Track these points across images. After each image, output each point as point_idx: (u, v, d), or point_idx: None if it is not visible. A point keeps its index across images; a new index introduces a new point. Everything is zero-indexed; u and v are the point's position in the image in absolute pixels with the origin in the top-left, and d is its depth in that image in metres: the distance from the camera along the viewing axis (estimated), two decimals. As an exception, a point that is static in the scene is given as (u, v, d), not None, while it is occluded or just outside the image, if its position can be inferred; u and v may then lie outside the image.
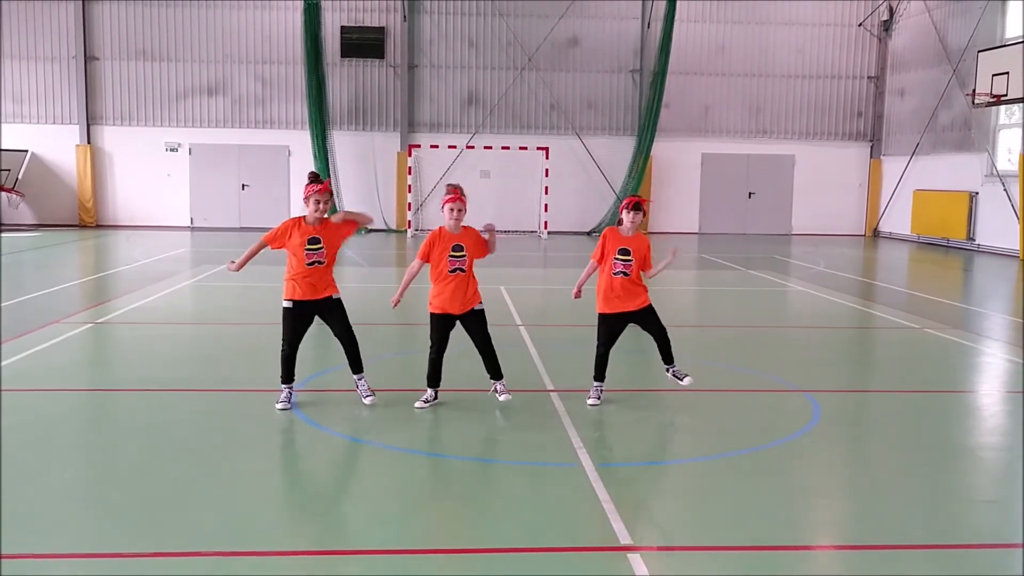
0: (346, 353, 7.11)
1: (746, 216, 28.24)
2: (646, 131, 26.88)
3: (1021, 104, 20.50)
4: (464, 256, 7.01)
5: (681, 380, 7.25)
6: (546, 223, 26.09)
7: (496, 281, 15.25)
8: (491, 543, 4.51)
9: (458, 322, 7.07)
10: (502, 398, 7.11)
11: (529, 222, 26.87)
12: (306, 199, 6.99)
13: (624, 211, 7.22)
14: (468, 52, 27.01)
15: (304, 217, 7.05)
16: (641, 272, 7.22)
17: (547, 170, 25.82)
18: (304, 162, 26.43)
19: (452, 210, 7.01)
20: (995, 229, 22.17)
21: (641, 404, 7.79)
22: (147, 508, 4.97)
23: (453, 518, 4.86)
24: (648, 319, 7.25)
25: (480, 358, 7.16)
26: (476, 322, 7.06)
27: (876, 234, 27.92)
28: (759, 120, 27.97)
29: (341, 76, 26.85)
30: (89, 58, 26.32)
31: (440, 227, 7.11)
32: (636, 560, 4.33)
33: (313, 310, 7.04)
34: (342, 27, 26.58)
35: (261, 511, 4.97)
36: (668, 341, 7.26)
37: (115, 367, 9.13)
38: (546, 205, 25.92)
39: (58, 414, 6.92)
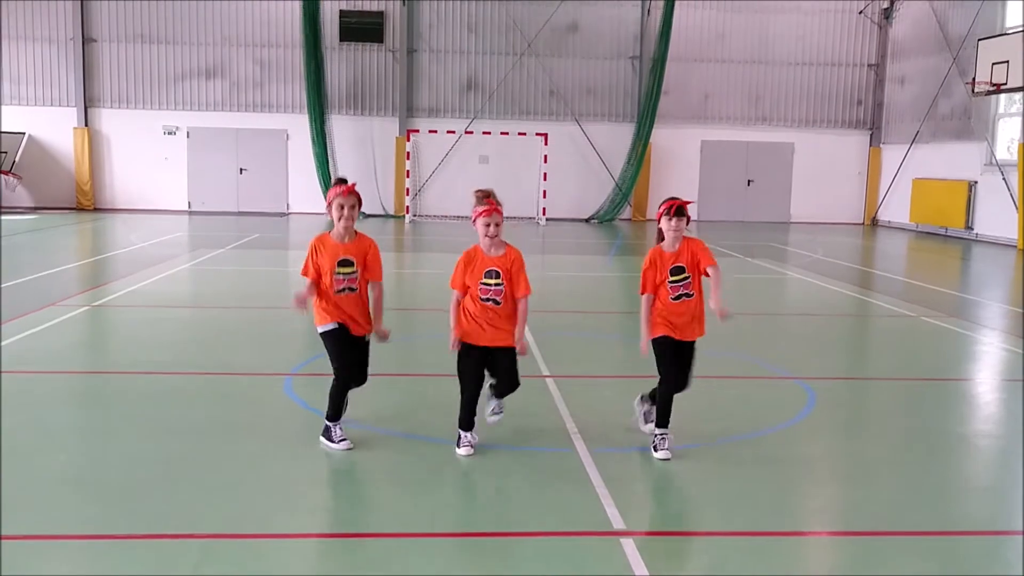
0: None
1: (745, 204, 28.22)
2: (645, 118, 26.82)
3: (1021, 93, 20.44)
4: (500, 286, 5.56)
5: (656, 452, 5.64)
6: (544, 209, 26.05)
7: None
8: (485, 527, 4.51)
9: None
10: (491, 419, 5.81)
11: (527, 208, 26.81)
12: (328, 206, 5.57)
13: (663, 217, 5.64)
14: (467, 37, 26.91)
15: (328, 233, 5.66)
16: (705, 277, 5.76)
17: (546, 156, 25.77)
18: (302, 146, 26.38)
19: (488, 225, 5.49)
20: (993, 218, 22.15)
21: (637, 390, 7.78)
22: (140, 490, 4.97)
23: (447, 503, 4.86)
24: (691, 356, 5.81)
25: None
26: (506, 359, 5.64)
27: (875, 223, 27.90)
28: (759, 108, 27.90)
29: (340, 60, 26.75)
30: (87, 40, 26.21)
31: (474, 246, 5.66)
32: (629, 545, 4.33)
33: (353, 343, 5.69)
34: (341, 11, 26.47)
35: (254, 494, 4.97)
36: (671, 397, 5.75)
37: (110, 350, 9.12)
38: (544, 191, 25.88)
39: (52, 396, 6.91)
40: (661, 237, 5.74)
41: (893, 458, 5.99)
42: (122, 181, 26.82)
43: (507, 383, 5.68)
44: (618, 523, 4.61)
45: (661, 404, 5.67)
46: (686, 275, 5.65)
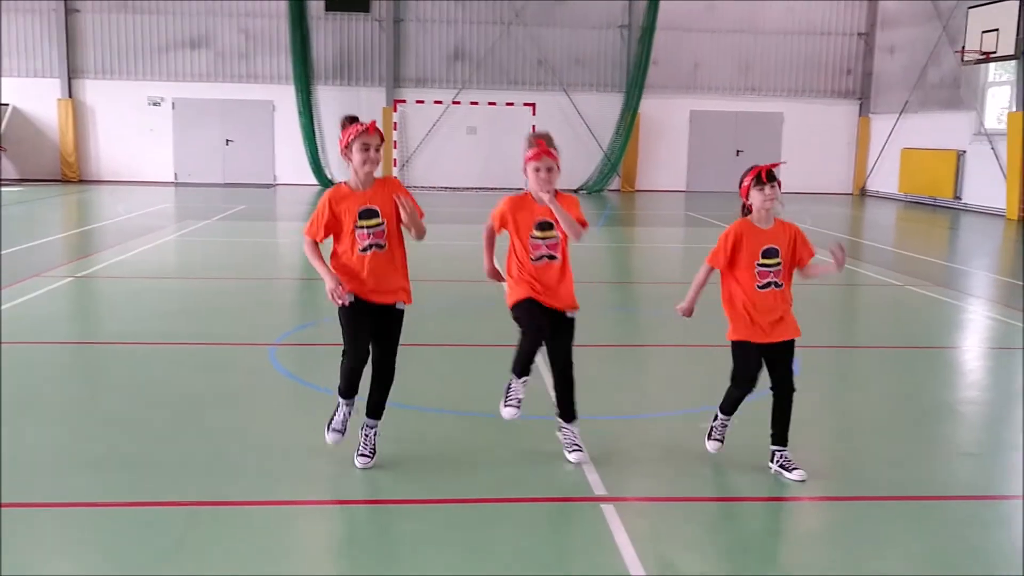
0: (374, 387, 4.85)
1: (734, 174, 27.59)
2: (634, 88, 26.69)
3: (1010, 61, 20.40)
4: (556, 239, 4.80)
5: (789, 473, 4.79)
6: (533, 180, 25.93)
7: (477, 237, 15.17)
8: (467, 494, 4.51)
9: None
10: (572, 456, 4.90)
11: (516, 179, 26.67)
12: (346, 148, 4.63)
13: (752, 187, 4.76)
14: (454, 6, 26.67)
15: (346, 181, 4.74)
16: (797, 272, 4.88)
17: (534, 126, 25.62)
18: (289, 117, 26.19)
19: (538, 170, 4.73)
20: (982, 188, 22.17)
21: (625, 359, 7.80)
22: (125, 459, 4.96)
23: (429, 469, 4.86)
24: (783, 362, 4.84)
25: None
26: (564, 327, 4.90)
27: (864, 193, 27.91)
28: (748, 77, 27.79)
29: (326, 30, 26.50)
30: (70, 10, 25.88)
31: (524, 193, 4.91)
32: (609, 510, 4.35)
33: (376, 314, 4.73)
34: (327, -20, 26.20)
35: (239, 462, 4.96)
36: (791, 404, 4.86)
37: (96, 320, 9.08)
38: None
39: (37, 367, 6.87)
40: (746, 212, 4.88)
41: (878, 424, 6.02)
42: (107, 152, 26.60)
43: (562, 361, 4.90)
44: (599, 488, 4.62)
45: (728, 402, 4.97)
46: (778, 261, 4.76)
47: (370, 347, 4.75)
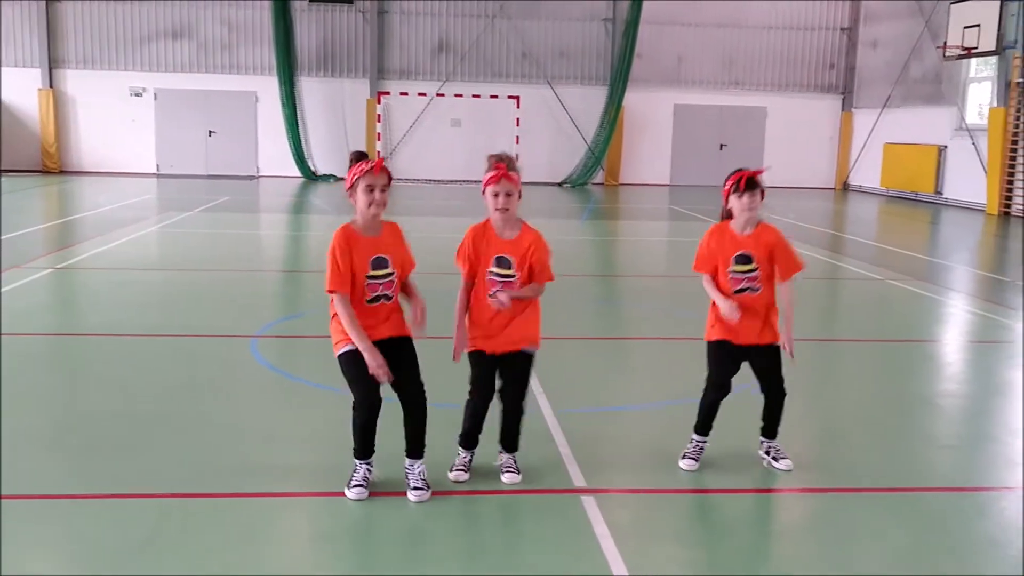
0: (409, 426, 4.48)
1: (718, 168, 28.07)
2: (618, 81, 26.69)
3: (991, 57, 20.52)
4: (512, 276, 4.49)
5: (776, 463, 4.85)
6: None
7: (462, 230, 15.15)
8: (446, 485, 4.51)
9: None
10: (506, 478, 4.61)
11: (500, 172, 26.67)
12: (351, 188, 4.27)
13: (732, 193, 4.64)
14: (439, -2, 26.59)
15: (352, 222, 4.33)
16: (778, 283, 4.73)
17: (518, 119, 25.63)
18: (272, 108, 26.06)
19: (497, 195, 4.38)
20: (962, 183, 22.30)
21: (607, 352, 7.81)
22: (104, 452, 4.92)
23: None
24: (764, 367, 4.80)
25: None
26: (516, 368, 4.60)
27: (846, 187, 28.03)
28: (732, 71, 27.84)
29: (309, 21, 26.36)
30: (50, -1, 25.66)
31: (485, 220, 4.56)
32: (589, 502, 4.35)
33: (385, 351, 4.31)
34: (310, -29, 26.07)
35: (218, 454, 4.94)
36: (781, 407, 4.87)
37: (77, 312, 9.01)
38: (517, 155, 25.62)
39: (17, 358, 6.81)
40: (728, 215, 4.75)
41: (859, 417, 6.05)
42: (88, 143, 26.40)
43: (512, 394, 4.61)
44: (579, 481, 4.63)
45: (703, 408, 4.85)
46: (753, 267, 4.64)
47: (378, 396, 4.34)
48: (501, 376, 4.59)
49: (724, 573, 3.81)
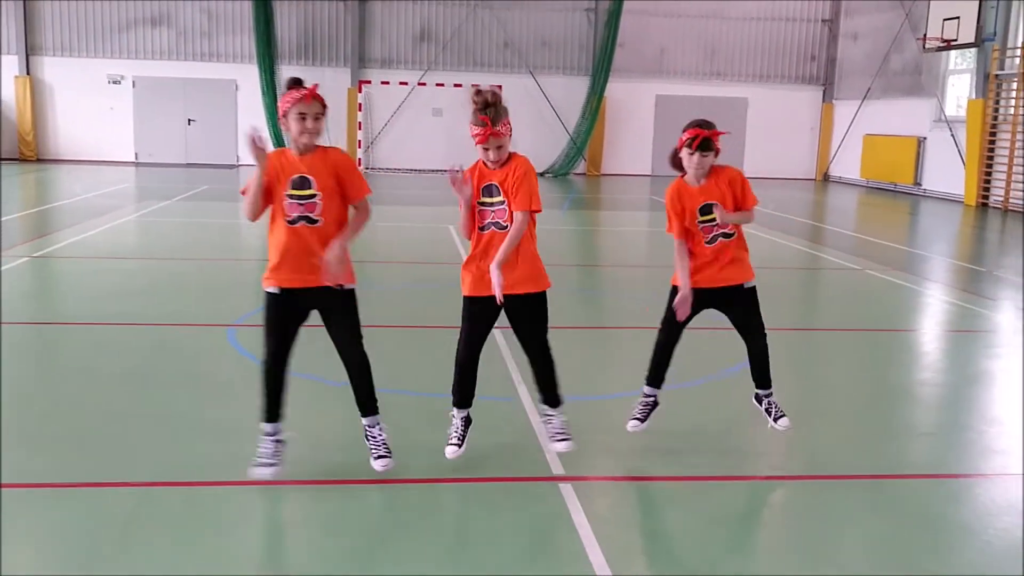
0: (352, 383, 4.47)
1: (699, 159, 28.23)
2: (600, 71, 26.67)
3: (970, 49, 20.63)
4: (502, 204, 4.37)
5: (776, 423, 4.91)
6: (499, 163, 25.85)
7: (445, 220, 15.13)
8: (424, 473, 4.50)
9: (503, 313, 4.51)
10: (559, 446, 4.58)
11: (482, 162, 26.62)
12: (284, 117, 4.21)
13: (685, 147, 4.61)
14: (421, -13, 26.46)
15: (287, 148, 4.31)
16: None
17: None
18: (252, 97, 25.87)
19: (488, 150, 4.30)
20: (941, 174, 22.44)
21: (586, 340, 7.81)
22: (80, 441, 4.89)
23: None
24: (740, 308, 4.83)
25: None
26: (526, 310, 4.51)
27: (826, 178, 28.14)
28: (713, 62, 27.87)
29: (289, 9, 26.16)
30: (26, -15, 25.35)
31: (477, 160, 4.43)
32: (568, 490, 4.36)
33: (305, 303, 4.31)
34: (291, -42, 25.87)
35: (194, 443, 4.91)
36: (767, 351, 4.90)
37: (53, 301, 8.93)
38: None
39: (-11, 347, 6.75)
40: (676, 164, 4.73)
41: (837, 405, 6.09)
42: (66, 131, 26.12)
43: (534, 341, 4.55)
44: (557, 468, 4.63)
45: (655, 360, 4.94)
46: (713, 216, 4.65)
47: (288, 353, 4.33)
48: (515, 320, 4.49)
49: (701, 560, 3.82)
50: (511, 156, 4.38)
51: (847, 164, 27.00)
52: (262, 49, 25.44)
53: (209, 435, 5.05)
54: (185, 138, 26.63)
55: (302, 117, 4.14)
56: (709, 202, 4.64)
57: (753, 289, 4.79)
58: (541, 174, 26.89)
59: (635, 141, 27.77)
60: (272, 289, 4.25)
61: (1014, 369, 7.06)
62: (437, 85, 26.12)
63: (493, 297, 4.30)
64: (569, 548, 3.81)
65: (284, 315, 4.29)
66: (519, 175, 4.32)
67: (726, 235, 4.70)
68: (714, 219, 4.65)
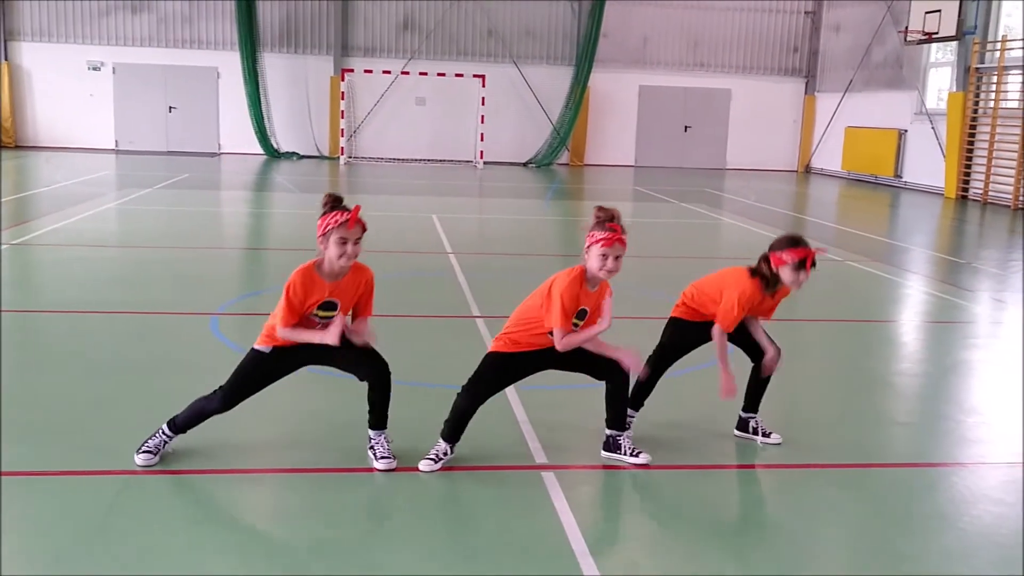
0: (373, 399, 4.51)
1: (682, 149, 28.34)
2: (584, 61, 26.67)
3: (951, 42, 20.75)
4: (578, 325, 4.47)
5: (768, 438, 5.02)
6: (482, 153, 25.86)
7: (428, 209, 15.12)
8: (408, 462, 4.50)
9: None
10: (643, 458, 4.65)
11: (465, 151, 26.61)
12: (323, 236, 4.21)
13: (789, 265, 4.65)
14: (404, -25, 26.34)
15: (317, 263, 4.29)
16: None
17: (483, 98, 25.49)
18: (234, 85, 25.72)
19: (605, 256, 4.35)
20: (921, 167, 22.59)
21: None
22: (60, 428, 4.87)
23: (366, 440, 4.83)
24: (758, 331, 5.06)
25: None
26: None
27: (808, 170, 28.27)
28: (697, 53, 27.91)
29: (272, -4, 25.99)
30: (5, -31, 25.07)
31: (578, 269, 4.44)
32: (550, 478, 4.39)
33: (305, 356, 4.45)
34: (273, -56, 25.68)
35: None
36: (769, 378, 5.06)
37: (32, 288, 8.86)
38: (482, 134, 25.66)
39: (-32, 335, 6.70)
40: (759, 275, 4.72)
41: (817, 394, 6.14)
42: (45, 118, 25.88)
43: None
44: (540, 457, 4.66)
45: (641, 383, 5.03)
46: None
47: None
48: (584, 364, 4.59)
49: (680, 547, 3.86)
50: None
51: (829, 156, 27.13)
52: (244, 36, 25.28)
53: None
54: (166, 126, 26.45)
55: (343, 242, 4.17)
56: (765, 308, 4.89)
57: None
58: (524, 164, 26.90)
59: (618, 131, 27.80)
60: (263, 348, 4.38)
61: (992, 360, 7.15)
62: (420, 74, 26.03)
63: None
64: (551, 535, 3.84)
65: (274, 371, 4.46)
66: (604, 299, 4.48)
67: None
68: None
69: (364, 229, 4.25)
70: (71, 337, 6.80)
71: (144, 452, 4.43)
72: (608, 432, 4.68)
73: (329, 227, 4.17)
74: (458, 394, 4.52)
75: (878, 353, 7.38)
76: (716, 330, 4.72)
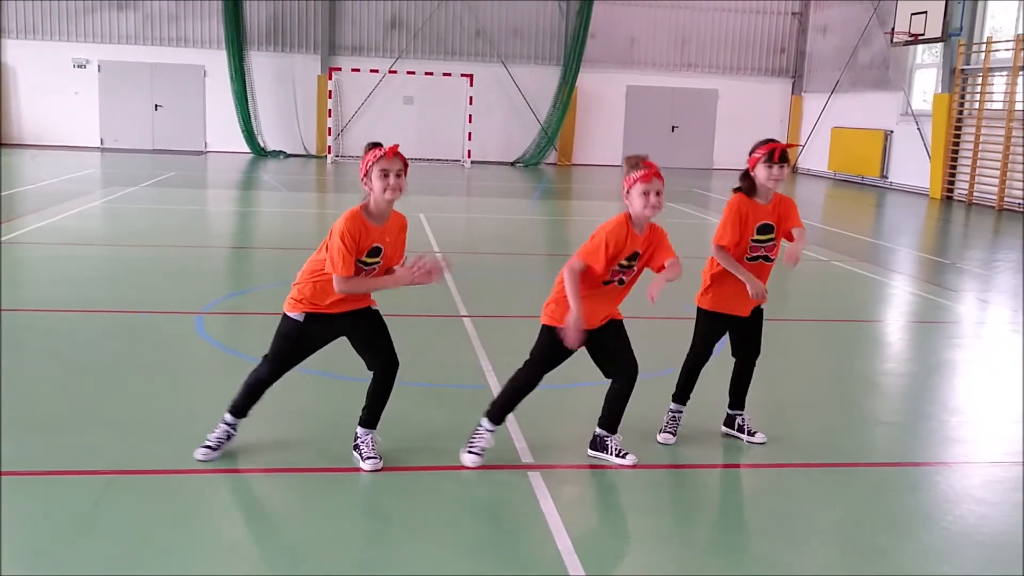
0: (373, 391, 4.49)
1: (669, 149, 28.36)
2: (572, 61, 26.68)
3: (937, 44, 20.85)
4: (633, 267, 4.50)
5: (753, 436, 5.01)
6: (469, 152, 25.84)
7: (416, 209, 15.09)
8: (395, 462, 4.50)
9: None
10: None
11: (453, 151, 26.57)
12: (366, 176, 4.21)
13: (761, 162, 4.66)
14: (392, -27, 26.29)
15: (364, 207, 4.25)
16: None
17: (471, 98, 25.47)
18: (221, 83, 25.62)
19: (647, 193, 4.39)
20: (907, 167, 22.69)
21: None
22: (44, 428, 4.84)
23: (351, 441, 4.82)
24: (753, 332, 4.97)
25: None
26: (615, 331, 4.62)
27: (795, 170, 28.36)
28: (684, 53, 27.96)
29: (259, -6, 25.90)
30: (-11, -34, 24.90)
31: (624, 216, 4.47)
32: (536, 478, 4.39)
33: (338, 327, 4.41)
34: (261, -58, 25.59)
35: (159, 431, 4.87)
36: (751, 374, 5.06)
37: (16, 287, 8.79)
38: (470, 134, 25.63)
39: (-50, 333, 6.66)
40: (748, 186, 4.74)
41: (803, 394, 6.16)
42: (30, 115, 25.71)
43: (620, 351, 4.61)
44: (526, 457, 4.66)
45: (684, 380, 4.99)
46: (772, 236, 4.73)
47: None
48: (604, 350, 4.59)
49: (667, 546, 3.86)
50: (651, 224, 4.57)
51: (815, 156, 27.22)
52: (231, 34, 25.19)
53: (176, 423, 5.01)
54: (152, 124, 26.33)
55: (384, 174, 4.15)
56: (769, 223, 4.71)
57: (762, 310, 4.91)
58: (512, 163, 26.88)
59: (606, 131, 27.82)
60: (297, 315, 4.34)
61: (976, 360, 7.19)
62: (408, 73, 25.99)
63: None
64: (537, 535, 3.84)
65: (314, 339, 4.43)
66: (664, 240, 4.57)
67: (767, 258, 4.77)
68: (768, 239, 4.72)
69: (406, 164, 4.21)
70: (54, 336, 6.76)
71: (204, 447, 4.45)
72: (597, 431, 4.69)
73: (369, 163, 4.18)
74: (519, 370, 4.55)
75: (863, 353, 7.41)
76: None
